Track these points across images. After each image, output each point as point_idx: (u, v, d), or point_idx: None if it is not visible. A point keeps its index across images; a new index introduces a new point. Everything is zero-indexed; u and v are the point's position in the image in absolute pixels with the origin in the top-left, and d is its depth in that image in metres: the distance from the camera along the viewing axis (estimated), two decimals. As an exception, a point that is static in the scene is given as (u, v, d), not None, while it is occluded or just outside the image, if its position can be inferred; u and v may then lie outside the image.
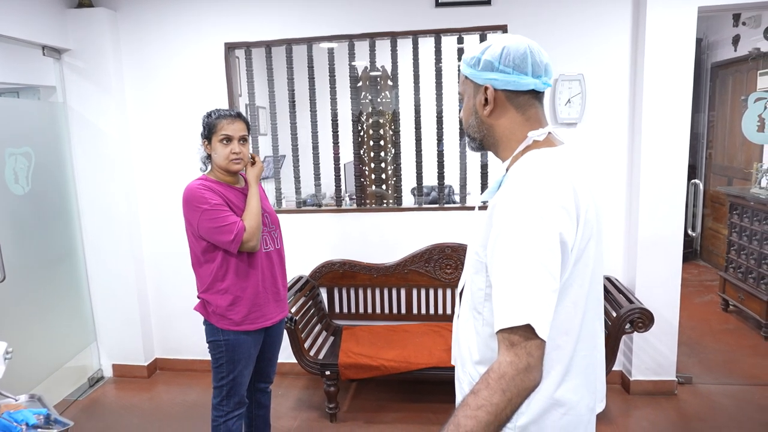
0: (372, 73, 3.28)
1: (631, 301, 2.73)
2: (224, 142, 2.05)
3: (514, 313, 0.98)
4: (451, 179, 3.41)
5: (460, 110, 1.29)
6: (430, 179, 3.44)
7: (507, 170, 1.18)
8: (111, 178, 3.37)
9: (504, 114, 1.17)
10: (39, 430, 1.71)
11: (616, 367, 3.21)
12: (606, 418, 2.92)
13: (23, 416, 1.73)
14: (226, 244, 2.01)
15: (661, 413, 2.96)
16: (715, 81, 5.41)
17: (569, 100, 3.02)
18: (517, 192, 1.05)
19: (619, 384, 3.24)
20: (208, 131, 2.08)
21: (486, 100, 1.17)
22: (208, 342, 2.18)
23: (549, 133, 1.18)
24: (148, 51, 3.33)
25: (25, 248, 3.02)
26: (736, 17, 4.83)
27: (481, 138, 1.23)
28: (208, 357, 2.22)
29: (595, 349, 1.21)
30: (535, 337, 0.98)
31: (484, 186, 3.23)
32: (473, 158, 3.24)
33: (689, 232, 3.08)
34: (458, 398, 1.32)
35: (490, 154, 3.14)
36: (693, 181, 3.08)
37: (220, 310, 2.11)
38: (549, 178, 1.06)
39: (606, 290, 2.98)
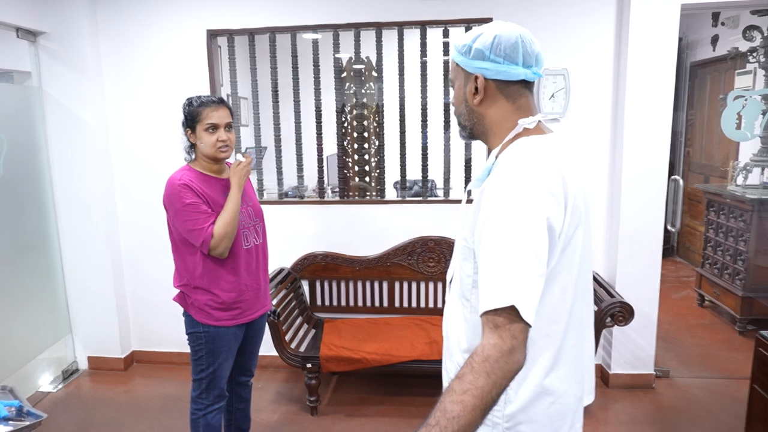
0: (356, 66, 3.24)
1: (612, 295, 2.76)
2: (210, 130, 1.99)
3: (498, 295, 0.97)
4: (434, 173, 3.40)
5: (448, 98, 1.28)
6: (413, 173, 3.42)
7: (496, 158, 1.17)
8: (88, 165, 3.28)
9: (494, 103, 1.17)
10: (11, 422, 1.66)
11: (595, 361, 3.24)
12: (585, 411, 2.91)
13: (-6, 408, 1.68)
14: (196, 245, 1.98)
15: (639, 406, 3.00)
16: (694, 80, 5.49)
17: (553, 94, 3.02)
18: (506, 177, 1.05)
19: (598, 377, 3.28)
20: (192, 120, 2.01)
21: (476, 89, 1.16)
22: (187, 334, 2.14)
23: (539, 121, 1.18)
24: (127, 35, 3.25)
25: (-4, 237, 2.93)
26: (715, 17, 4.90)
27: (471, 126, 1.23)
28: (187, 349, 2.18)
29: (583, 338, 1.21)
30: (519, 320, 0.96)
31: (468, 180, 3.23)
32: (457, 152, 3.23)
33: (668, 227, 3.12)
34: (445, 387, 1.31)
35: (474, 148, 3.16)
36: (673, 177, 3.11)
37: (199, 304, 2.07)
38: (537, 163, 1.06)
39: (587, 284, 3.00)
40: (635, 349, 3.15)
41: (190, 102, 2.04)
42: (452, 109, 1.31)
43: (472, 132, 1.24)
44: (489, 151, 1.21)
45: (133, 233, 3.47)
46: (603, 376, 3.25)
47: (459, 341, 1.22)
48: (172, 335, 3.48)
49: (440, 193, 3.42)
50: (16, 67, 3.81)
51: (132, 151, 3.38)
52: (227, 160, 2.15)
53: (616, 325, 2.69)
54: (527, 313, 0.96)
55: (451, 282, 1.29)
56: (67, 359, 3.49)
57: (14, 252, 3.04)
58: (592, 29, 2.98)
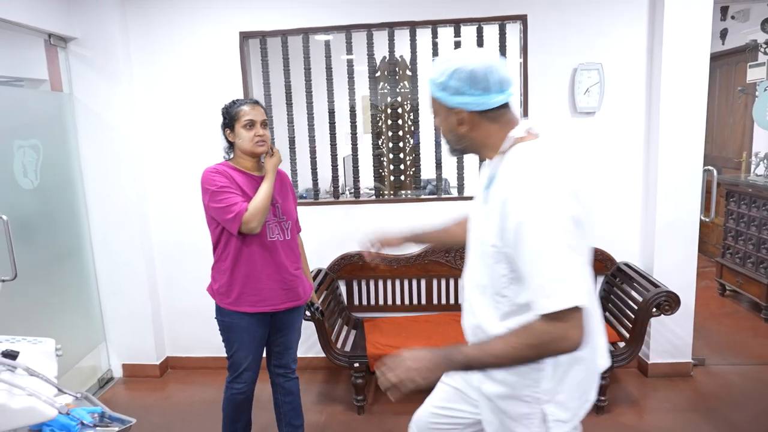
0: (390, 63, 3.25)
1: (655, 285, 2.79)
2: (248, 126, 2.12)
3: (559, 298, 1.09)
4: (448, 172, 3.42)
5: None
6: (428, 172, 3.43)
7: (495, 164, 1.28)
8: (119, 171, 3.26)
9: (480, 127, 1.27)
10: (97, 428, 1.65)
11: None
12: (627, 401, 2.99)
13: (78, 414, 1.66)
14: (227, 222, 2.08)
15: (680, 394, 3.04)
16: (711, 73, 5.57)
17: (588, 89, 3.06)
18: (529, 183, 1.15)
19: (635, 368, 3.31)
20: (230, 119, 2.15)
21: (461, 120, 1.26)
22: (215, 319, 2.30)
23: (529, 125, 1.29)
24: (157, 40, 3.23)
25: (33, 244, 2.89)
26: (724, 11, 4.99)
27: (462, 148, 1.34)
28: (221, 354, 2.35)
29: (596, 307, 1.35)
30: (578, 311, 1.10)
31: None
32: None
33: (702, 217, 3.16)
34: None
35: None
36: (706, 167, 3.16)
37: (220, 289, 2.21)
38: (554, 167, 1.18)
39: (626, 275, 3.04)
40: (673, 338, 3.19)
41: (230, 105, 2.19)
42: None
43: (463, 151, 1.36)
44: (481, 160, 1.33)
45: (165, 239, 3.44)
46: (641, 366, 3.29)
47: (488, 336, 1.29)
48: (206, 340, 3.45)
49: (454, 191, 3.43)
50: (31, 75, 3.78)
51: (163, 156, 3.35)
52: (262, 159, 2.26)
53: (662, 315, 2.72)
54: (584, 301, 1.10)
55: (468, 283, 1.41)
56: (102, 367, 3.45)
57: (49, 261, 3.01)
58: (626, 23, 3.02)
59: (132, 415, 3.13)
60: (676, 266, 3.10)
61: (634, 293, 2.91)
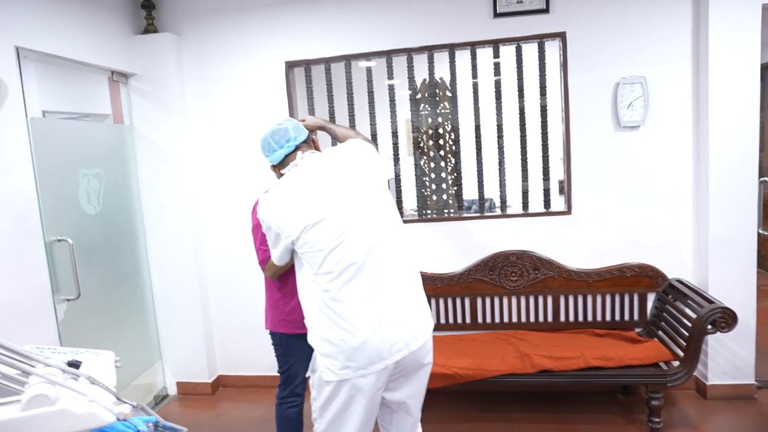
0: (430, 85, 3.32)
1: (710, 302, 2.69)
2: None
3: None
4: (491, 191, 3.43)
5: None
6: (469, 192, 3.47)
7: None
8: (174, 197, 3.44)
9: (281, 172, 2.02)
10: (152, 437, 1.72)
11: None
12: (686, 424, 2.86)
13: (134, 422, 1.75)
14: (257, 259, 2.26)
15: (744, 418, 2.88)
16: (764, 82, 5.36)
17: (631, 103, 3.02)
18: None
19: (693, 390, 3.17)
20: None
21: (275, 169, 2.08)
22: (270, 334, 2.38)
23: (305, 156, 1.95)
24: (209, 73, 3.42)
25: (95, 266, 3.07)
26: (777, 20, 4.80)
27: None
28: (271, 373, 2.41)
29: (367, 296, 1.80)
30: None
31: (525, 196, 3.28)
32: (535, 170, 3.25)
33: (760, 231, 3.03)
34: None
35: (532, 166, 3.21)
36: (762, 179, 3.04)
37: (284, 317, 2.27)
38: (267, 198, 1.86)
39: (679, 292, 2.94)
40: (733, 358, 3.04)
41: None
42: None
43: None
44: None
45: (218, 261, 3.59)
46: (700, 387, 3.14)
47: None
48: (256, 359, 3.55)
49: (497, 211, 3.45)
50: (96, 110, 4.06)
51: (216, 182, 3.52)
52: None
53: (718, 332, 2.61)
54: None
55: None
56: (158, 385, 3.59)
57: (110, 282, 3.19)
58: (669, 35, 2.97)
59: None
60: (733, 282, 2.97)
61: (687, 310, 2.81)
